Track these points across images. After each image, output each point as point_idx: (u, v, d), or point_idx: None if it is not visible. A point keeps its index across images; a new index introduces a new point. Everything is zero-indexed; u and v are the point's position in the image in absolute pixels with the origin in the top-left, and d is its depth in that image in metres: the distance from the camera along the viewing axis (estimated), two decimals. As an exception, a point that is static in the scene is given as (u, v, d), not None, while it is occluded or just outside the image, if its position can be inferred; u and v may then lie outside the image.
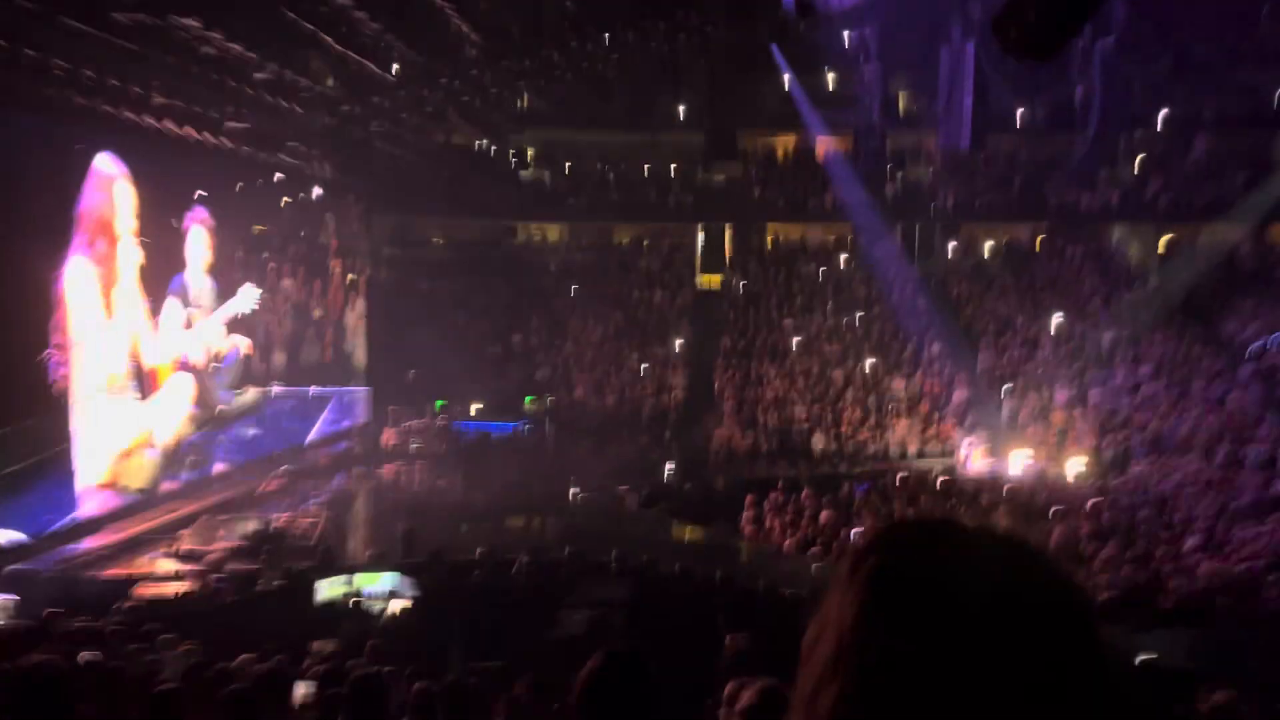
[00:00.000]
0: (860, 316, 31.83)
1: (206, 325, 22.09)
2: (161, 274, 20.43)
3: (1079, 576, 14.71)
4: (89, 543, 17.48)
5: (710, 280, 35.48)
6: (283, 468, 22.13)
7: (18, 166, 16.07)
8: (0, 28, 14.36)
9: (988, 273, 33.94)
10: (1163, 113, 34.09)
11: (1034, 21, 8.63)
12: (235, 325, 23.39)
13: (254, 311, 24.10)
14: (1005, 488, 21.81)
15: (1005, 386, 28.22)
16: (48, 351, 17.18)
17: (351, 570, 14.68)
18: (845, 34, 27.16)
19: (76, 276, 17.69)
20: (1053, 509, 19.41)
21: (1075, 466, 24.21)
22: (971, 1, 24.09)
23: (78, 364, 17.77)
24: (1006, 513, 18.98)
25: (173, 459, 20.81)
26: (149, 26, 15.61)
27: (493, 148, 33.87)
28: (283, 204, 26.07)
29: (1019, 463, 24.74)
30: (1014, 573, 1.08)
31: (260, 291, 24.00)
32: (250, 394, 24.13)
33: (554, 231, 37.32)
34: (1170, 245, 33.97)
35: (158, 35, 15.98)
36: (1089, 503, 19.64)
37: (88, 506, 18.25)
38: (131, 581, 15.63)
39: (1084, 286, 32.23)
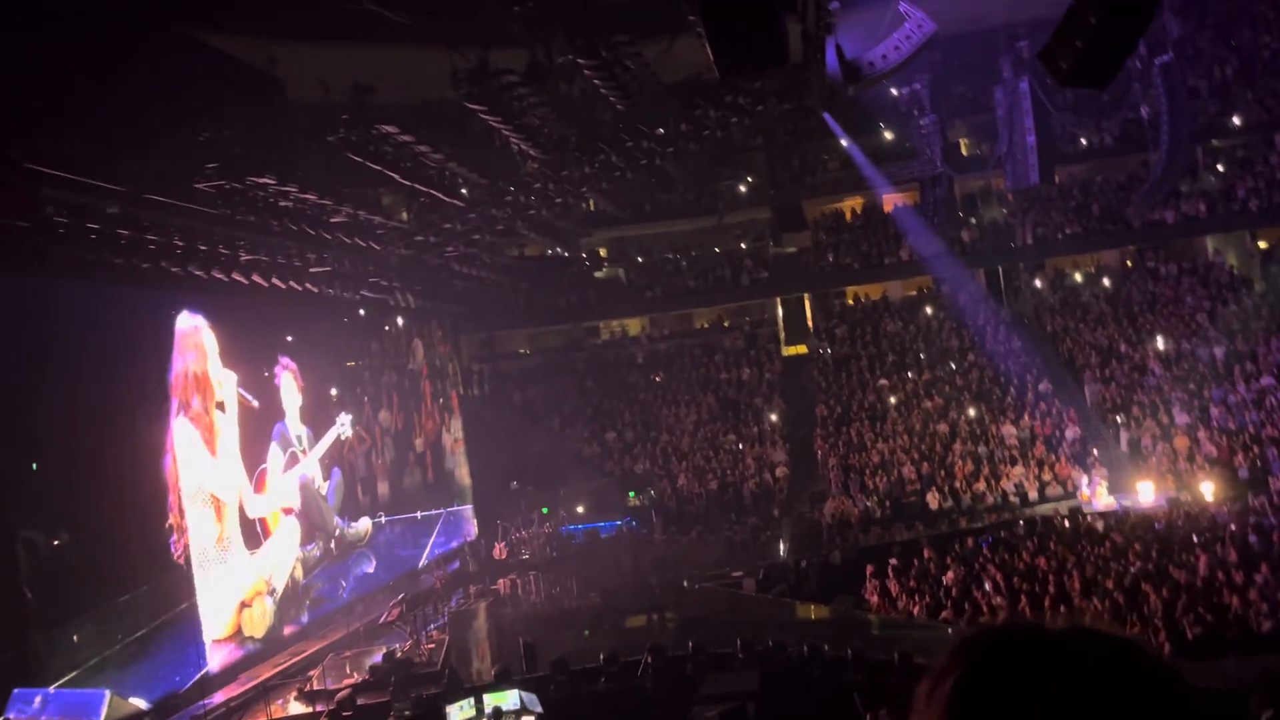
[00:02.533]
0: (955, 367, 31.16)
1: (307, 461, 22.64)
2: (260, 422, 21.01)
3: (1235, 608, 13.85)
4: (222, 694, 17.74)
5: (796, 350, 35.25)
6: (400, 595, 22.30)
7: (121, 339, 16.82)
8: (93, 212, 15.26)
9: (1081, 303, 33.03)
10: (1236, 116, 33.15)
11: (1083, 50, 8.49)
12: (337, 459, 23.91)
13: (354, 444, 24.66)
14: (1137, 523, 20.81)
15: (1119, 417, 27.16)
16: (169, 524, 17.61)
17: (478, 690, 14.57)
18: (895, 91, 27.19)
19: (182, 440, 18.28)
20: (1193, 538, 18.45)
21: (1209, 490, 22.99)
22: (1019, 39, 23.99)
23: (193, 525, 18.23)
24: (1142, 549, 18.05)
25: (292, 602, 21.15)
26: (228, 190, 16.44)
27: (565, 253, 34.58)
28: (370, 339, 26.87)
29: (1147, 494, 23.62)
30: (1106, 684, 0.97)
31: (351, 417, 24.59)
32: (364, 522, 24.57)
33: (634, 325, 37.68)
34: (1270, 248, 32.67)
35: (237, 197, 16.83)
36: (1231, 527, 18.62)
37: (216, 660, 18.57)
38: (268, 727, 15.82)
39: (1185, 303, 31.10)
